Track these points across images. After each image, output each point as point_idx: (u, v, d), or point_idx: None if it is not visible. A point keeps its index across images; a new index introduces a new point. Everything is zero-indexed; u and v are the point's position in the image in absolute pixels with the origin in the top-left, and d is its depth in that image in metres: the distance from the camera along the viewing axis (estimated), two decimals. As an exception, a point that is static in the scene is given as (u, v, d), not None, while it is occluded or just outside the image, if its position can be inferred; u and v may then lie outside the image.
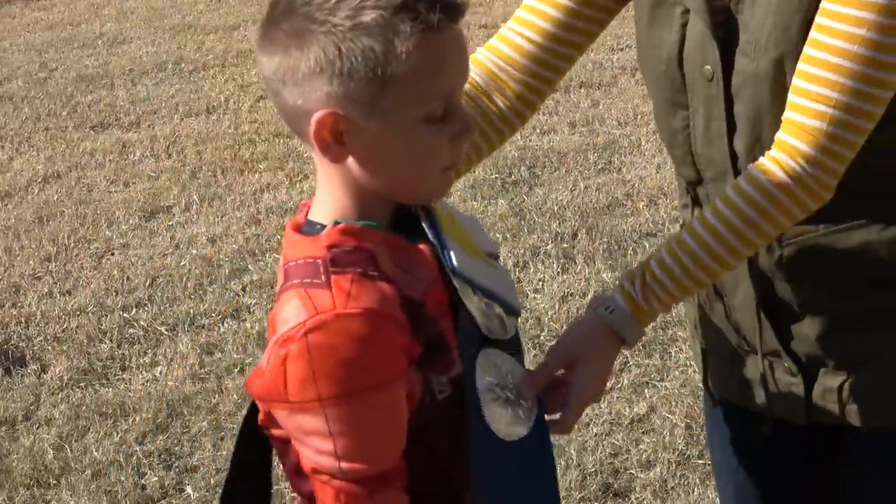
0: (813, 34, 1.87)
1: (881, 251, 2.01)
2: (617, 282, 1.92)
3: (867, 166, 1.92)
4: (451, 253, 1.77)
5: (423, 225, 1.79)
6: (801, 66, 1.88)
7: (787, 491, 2.31)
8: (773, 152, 1.90)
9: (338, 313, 1.64)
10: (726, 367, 2.23)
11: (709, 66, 2.01)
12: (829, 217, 1.98)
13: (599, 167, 6.27)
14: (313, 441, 1.68)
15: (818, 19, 1.86)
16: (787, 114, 1.89)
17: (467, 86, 2.10)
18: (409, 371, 1.69)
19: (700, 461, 3.83)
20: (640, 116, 6.90)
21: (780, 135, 1.89)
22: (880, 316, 2.05)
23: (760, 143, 1.98)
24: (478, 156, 2.16)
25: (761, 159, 1.91)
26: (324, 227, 1.73)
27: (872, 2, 1.81)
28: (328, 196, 1.75)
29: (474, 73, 2.14)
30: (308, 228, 1.76)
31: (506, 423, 1.82)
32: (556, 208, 5.72)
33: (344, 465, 1.67)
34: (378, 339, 1.65)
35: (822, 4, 1.86)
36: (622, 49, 8.13)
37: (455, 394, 1.75)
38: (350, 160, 1.70)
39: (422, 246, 1.77)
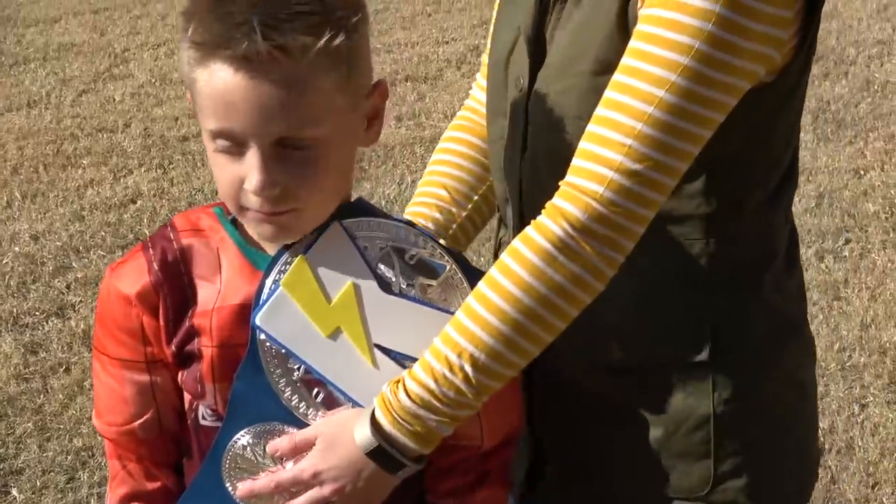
0: (608, 93, 1.60)
1: (619, 336, 1.79)
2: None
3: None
4: (264, 312, 1.66)
5: (270, 263, 1.68)
6: (589, 127, 1.61)
7: None
8: (541, 217, 1.61)
9: (108, 270, 1.76)
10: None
11: (521, 78, 1.81)
12: None
13: (427, 161, 6.29)
14: None
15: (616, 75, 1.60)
16: (567, 177, 1.61)
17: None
18: (163, 371, 1.74)
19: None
20: (465, 110, 6.94)
21: (554, 200, 1.61)
22: (611, 408, 1.82)
23: (539, 180, 1.78)
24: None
25: (526, 229, 1.63)
26: None
27: (675, 61, 1.55)
28: None
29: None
30: None
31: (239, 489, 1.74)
32: (383, 203, 5.73)
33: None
34: (105, 310, 1.75)
35: (622, 60, 1.60)
36: (447, 42, 8.19)
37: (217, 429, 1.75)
38: None
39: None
